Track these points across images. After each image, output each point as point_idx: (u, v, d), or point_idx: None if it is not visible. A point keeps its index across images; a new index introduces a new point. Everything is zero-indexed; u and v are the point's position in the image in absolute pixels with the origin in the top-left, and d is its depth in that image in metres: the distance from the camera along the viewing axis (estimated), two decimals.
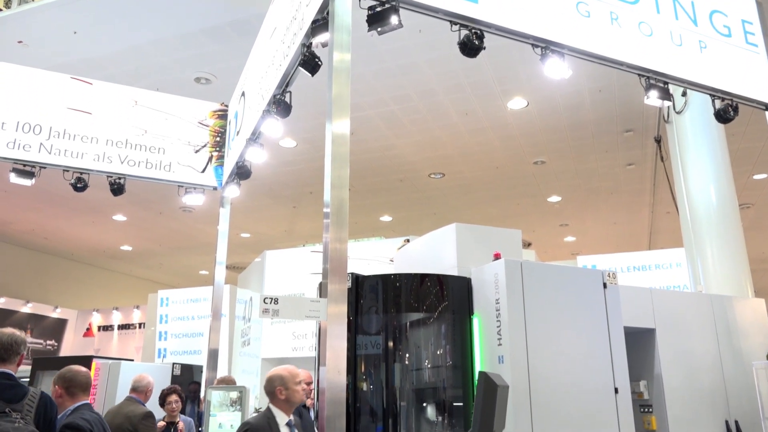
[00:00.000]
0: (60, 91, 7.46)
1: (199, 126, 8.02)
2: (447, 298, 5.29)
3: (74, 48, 8.27)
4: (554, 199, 13.60)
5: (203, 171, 7.94)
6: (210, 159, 7.98)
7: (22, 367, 3.67)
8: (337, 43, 4.19)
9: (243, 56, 7.26)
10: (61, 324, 18.60)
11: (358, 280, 5.30)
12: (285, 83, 5.48)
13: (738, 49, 5.87)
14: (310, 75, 5.00)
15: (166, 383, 6.34)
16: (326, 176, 4.18)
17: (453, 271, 5.36)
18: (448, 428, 5.26)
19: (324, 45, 4.73)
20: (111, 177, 7.62)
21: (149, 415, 5.17)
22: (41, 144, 7.20)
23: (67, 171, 7.46)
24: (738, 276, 7.33)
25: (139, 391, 5.35)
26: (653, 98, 5.34)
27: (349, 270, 4.62)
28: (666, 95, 5.36)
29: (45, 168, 7.34)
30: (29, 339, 17.17)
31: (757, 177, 12.11)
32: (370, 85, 8.92)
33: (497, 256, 5.01)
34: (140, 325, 17.94)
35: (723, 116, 5.69)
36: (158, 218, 14.74)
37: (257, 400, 11.75)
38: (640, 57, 5.22)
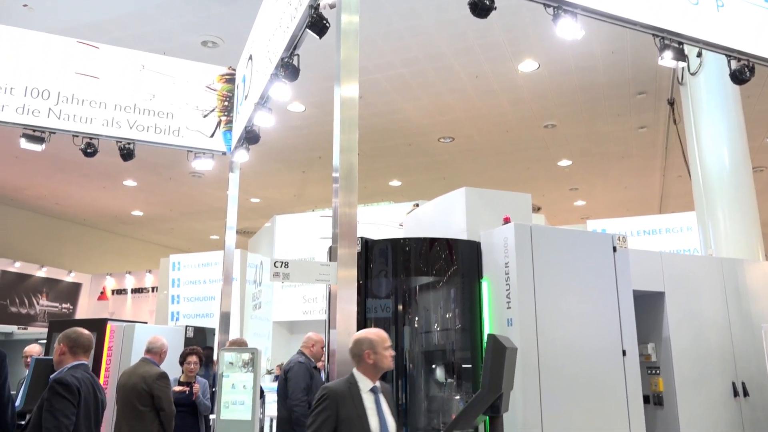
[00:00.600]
0: (67, 55, 7.42)
1: (207, 90, 7.98)
2: (456, 262, 5.31)
3: (79, 12, 8.18)
4: (564, 163, 13.50)
5: (212, 136, 7.93)
6: (218, 124, 7.96)
7: (39, 329, 3.74)
8: (345, 5, 4.13)
9: (250, 19, 7.16)
10: (75, 288, 18.90)
11: (367, 245, 5.32)
12: (293, 46, 5.42)
13: (756, 8, 5.72)
14: (317, 37, 4.93)
15: (180, 345, 6.46)
16: (335, 140, 4.16)
17: (462, 236, 5.37)
18: (457, 390, 5.34)
19: (332, 6, 4.65)
20: (120, 142, 7.63)
21: (163, 376, 5.29)
22: (50, 109, 7.20)
23: (77, 136, 7.47)
24: (749, 239, 7.29)
25: (154, 352, 5.46)
26: (667, 59, 5.23)
27: (359, 234, 4.64)
28: (681, 56, 5.26)
29: (55, 133, 7.35)
30: (45, 302, 17.51)
31: None
32: (378, 48, 8.80)
33: (507, 220, 5.00)
34: (153, 289, 18.20)
35: (739, 77, 5.58)
36: (168, 183, 14.79)
37: (269, 362, 11.97)
38: (655, 16, 5.11)
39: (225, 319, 7.95)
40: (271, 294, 13.24)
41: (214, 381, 5.72)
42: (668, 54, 5.21)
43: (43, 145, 7.34)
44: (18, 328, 7.74)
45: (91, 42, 7.58)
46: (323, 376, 5.58)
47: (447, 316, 5.57)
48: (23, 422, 5.65)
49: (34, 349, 6.28)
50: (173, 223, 18.63)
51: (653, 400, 5.66)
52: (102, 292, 19.24)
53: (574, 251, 4.99)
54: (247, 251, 13.50)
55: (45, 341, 6.66)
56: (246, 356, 4.82)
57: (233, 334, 9.09)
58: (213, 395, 5.61)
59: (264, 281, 12.91)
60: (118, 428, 5.21)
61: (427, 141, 12.30)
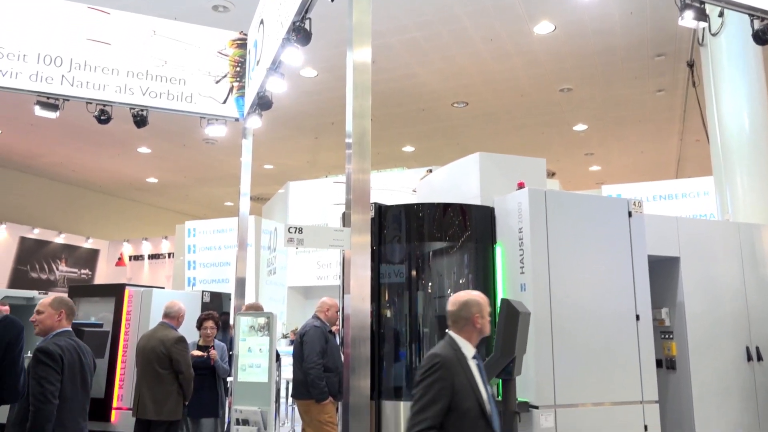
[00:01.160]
0: (78, 21, 7.38)
1: (219, 56, 7.92)
2: (470, 228, 5.31)
3: None
4: (580, 127, 13.32)
5: (224, 102, 7.91)
6: (231, 89, 7.93)
7: (58, 294, 3.81)
8: None
9: None
10: (93, 254, 19.19)
11: (381, 210, 5.33)
12: (304, 10, 5.35)
13: None
14: (329, 0, 4.86)
15: (197, 310, 6.57)
16: (348, 105, 4.13)
17: (476, 201, 5.36)
18: None
19: None
20: (133, 109, 7.63)
21: (181, 340, 5.40)
22: (63, 76, 7.20)
23: (90, 103, 7.49)
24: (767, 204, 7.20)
25: (171, 316, 5.56)
26: (688, 19, 5.10)
27: (372, 200, 4.64)
28: (702, 16, 5.12)
29: (68, 100, 7.37)
30: (64, 268, 17.81)
31: None
32: (390, 11, 8.66)
33: (521, 186, 4.97)
34: (169, 255, 18.42)
35: (762, 37, 5.43)
36: (182, 150, 14.83)
37: (284, 327, 12.15)
38: None
39: (240, 284, 8.05)
40: (285, 260, 13.36)
41: (231, 344, 5.83)
42: (689, 14, 5.07)
43: (57, 113, 7.36)
44: (39, 293, 7.93)
45: (102, 7, 7.53)
46: (338, 340, 5.67)
47: (460, 281, 5.60)
48: None
49: None
50: (188, 189, 18.74)
51: (666, 364, 5.69)
52: (119, 258, 19.52)
53: (588, 216, 4.96)
54: (261, 218, 13.59)
55: None
56: (262, 320, 4.90)
57: (249, 299, 9.22)
58: (231, 358, 5.72)
59: (278, 247, 13.02)
60: (138, 390, 5.35)
61: (440, 106, 12.17)
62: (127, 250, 19.57)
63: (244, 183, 7.93)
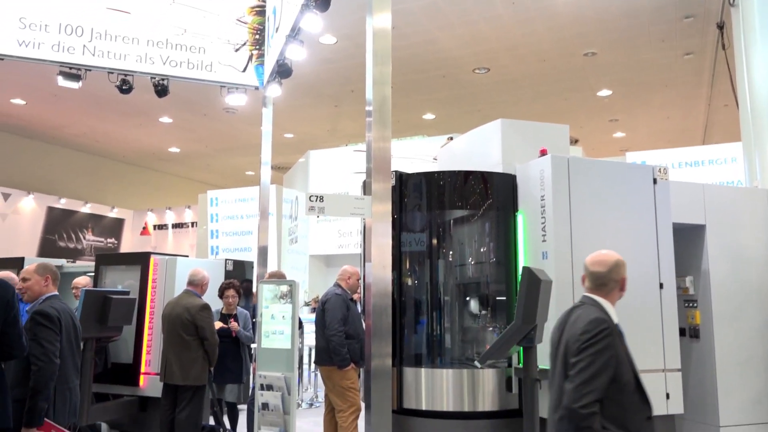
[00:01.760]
0: None
1: (238, 23, 7.87)
2: (491, 196, 5.27)
3: None
4: (604, 93, 13.05)
5: (244, 70, 7.88)
6: (250, 58, 7.89)
7: (86, 263, 3.91)
8: None
9: None
10: (118, 223, 19.50)
11: (401, 179, 5.31)
12: None
13: None
14: None
15: (221, 278, 6.66)
16: (368, 72, 4.09)
17: (498, 168, 5.31)
18: (491, 322, 5.42)
19: None
20: (154, 78, 7.65)
21: (206, 307, 5.50)
22: (84, 46, 7.22)
23: (112, 73, 7.52)
24: None
25: (195, 284, 5.65)
26: None
27: (393, 169, 4.62)
28: None
29: (90, 70, 7.41)
30: (91, 237, 18.15)
31: None
32: None
33: (543, 153, 4.91)
34: (193, 224, 18.65)
35: None
36: (203, 120, 14.88)
37: (306, 294, 12.30)
38: None
39: (263, 253, 8.15)
40: (306, 228, 13.45)
41: (254, 312, 5.92)
42: None
43: (80, 83, 7.41)
44: (67, 262, 8.13)
45: None
46: (359, 308, 5.72)
47: (481, 249, 5.59)
48: None
49: (82, 281, 6.56)
50: (209, 159, 18.85)
51: (689, 332, 5.65)
52: (144, 228, 19.82)
53: (612, 183, 4.89)
54: (282, 186, 13.65)
55: (93, 274, 6.94)
56: (284, 288, 4.95)
57: (271, 268, 9.32)
58: (254, 325, 5.82)
59: (300, 216, 13.09)
60: (165, 356, 5.48)
61: (461, 72, 12.00)
62: (151, 219, 19.85)
63: (264, 152, 7.95)
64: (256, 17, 7.92)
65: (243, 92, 8.04)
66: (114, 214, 19.31)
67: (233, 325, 5.81)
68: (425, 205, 5.39)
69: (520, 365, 4.49)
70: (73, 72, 7.33)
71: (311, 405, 8.45)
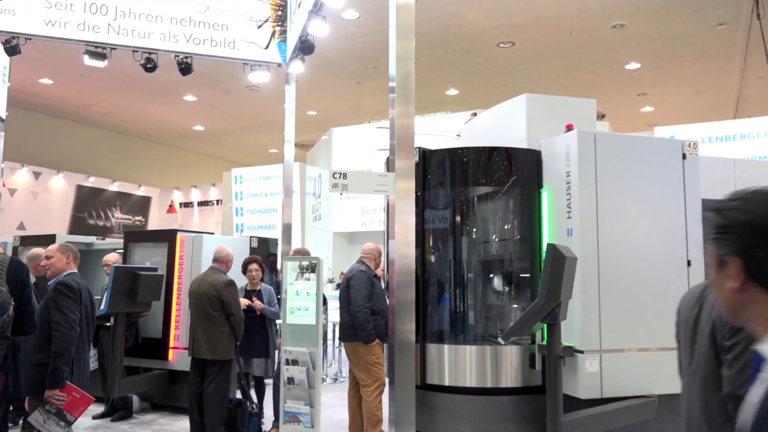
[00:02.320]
0: None
1: (260, 0, 7.84)
2: (515, 172, 5.22)
3: None
4: (633, 66, 12.75)
5: (267, 47, 7.87)
6: (273, 34, 7.87)
7: (115, 240, 4.00)
8: None
9: None
10: (145, 201, 19.80)
11: (425, 155, 5.28)
12: None
13: None
14: None
15: (246, 255, 6.74)
16: (391, 47, 4.05)
17: (522, 144, 5.25)
18: (515, 299, 5.41)
19: None
20: (178, 56, 7.68)
21: (231, 283, 5.57)
22: (109, 25, 7.27)
23: (137, 51, 7.57)
24: None
25: (220, 261, 5.72)
26: None
27: (416, 145, 4.60)
28: None
29: (115, 49, 7.46)
30: (119, 215, 18.47)
31: None
32: None
33: (569, 128, 4.83)
34: (218, 201, 18.85)
35: None
36: (226, 98, 14.93)
37: (330, 271, 12.39)
38: None
39: (287, 230, 8.21)
40: (330, 206, 13.50)
41: (279, 288, 5.99)
42: None
43: (106, 62, 7.48)
44: (97, 239, 8.30)
45: None
46: (382, 284, 5.75)
47: (505, 226, 5.56)
48: (108, 324, 6.13)
49: (112, 258, 6.69)
50: (233, 137, 18.96)
51: None
52: (170, 206, 20.09)
53: (640, 159, 4.80)
54: (305, 164, 13.69)
55: (122, 251, 7.08)
56: (309, 265, 4.99)
57: (295, 245, 9.40)
58: (280, 302, 5.89)
59: (323, 193, 13.14)
60: (193, 331, 5.59)
61: (486, 46, 11.81)
62: (177, 197, 20.10)
63: (288, 129, 7.96)
64: None
65: (266, 69, 8.04)
66: (141, 192, 19.60)
67: (257, 304, 5.87)
68: (449, 182, 5.36)
69: (544, 342, 4.48)
70: (98, 51, 7.40)
71: (336, 380, 8.57)
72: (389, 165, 4.27)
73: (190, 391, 5.56)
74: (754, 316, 1.01)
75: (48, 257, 4.03)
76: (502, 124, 5.73)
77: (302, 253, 6.09)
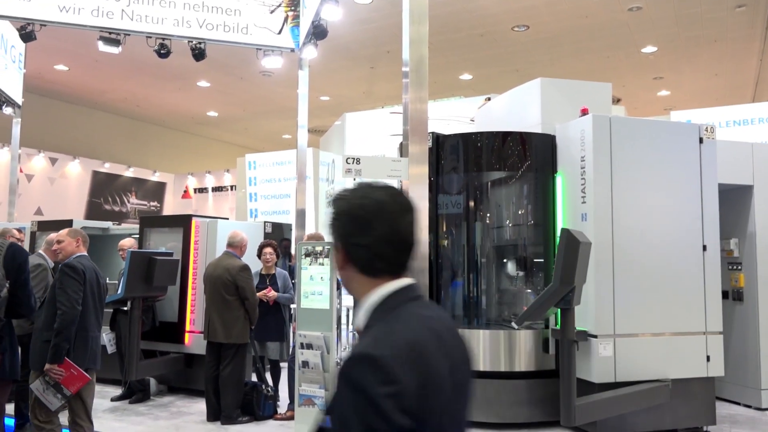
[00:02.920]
0: None
1: None
2: (529, 157, 5.20)
3: None
4: (649, 49, 12.57)
5: (279, 32, 7.85)
6: (285, 19, 7.85)
7: (131, 225, 4.07)
8: None
9: None
10: (160, 187, 19.94)
11: (438, 140, 5.27)
12: None
13: None
14: None
15: (260, 240, 6.78)
16: (404, 31, 4.03)
17: (537, 129, 5.22)
18: (528, 283, 5.41)
19: None
20: (191, 42, 7.69)
21: (245, 268, 5.62)
22: (123, 11, 7.29)
23: (150, 37, 7.58)
24: None
25: (235, 246, 5.77)
26: None
27: (429, 130, 4.59)
28: None
29: (129, 35, 7.49)
30: (134, 200, 18.63)
31: None
32: None
33: (584, 112, 4.80)
34: (232, 187, 18.92)
35: None
36: (240, 83, 14.94)
37: None
38: None
39: (301, 215, 8.24)
40: None
41: (293, 273, 6.02)
42: None
43: (120, 48, 7.51)
44: (113, 224, 8.41)
45: None
46: None
47: (519, 211, 5.55)
48: (125, 308, 6.21)
49: (128, 243, 6.76)
50: (246, 123, 18.99)
51: (732, 295, 5.54)
52: (185, 191, 20.21)
53: (656, 143, 4.76)
54: (318, 150, 13.69)
55: (138, 236, 7.15)
56: (323, 250, 5.02)
57: (309, 230, 9.44)
58: (294, 286, 5.92)
59: (336, 179, 13.14)
60: (208, 315, 5.65)
61: (500, 30, 11.70)
62: (192, 183, 20.21)
63: (301, 115, 7.96)
64: None
65: (279, 55, 8.03)
66: (156, 177, 19.73)
67: (270, 295, 5.90)
68: (462, 167, 5.35)
69: (557, 327, 4.49)
70: (112, 37, 7.43)
71: None
72: (402, 150, 4.27)
73: (206, 374, 5.63)
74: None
75: (59, 241, 4.18)
76: (516, 109, 5.70)
77: (316, 238, 6.11)
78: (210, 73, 14.06)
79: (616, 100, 14.41)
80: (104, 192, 17.93)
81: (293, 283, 5.97)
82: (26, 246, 6.86)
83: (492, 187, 5.55)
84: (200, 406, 5.92)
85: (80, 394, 3.96)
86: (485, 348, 4.98)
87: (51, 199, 16.15)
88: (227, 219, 7.85)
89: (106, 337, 6.06)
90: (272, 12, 7.81)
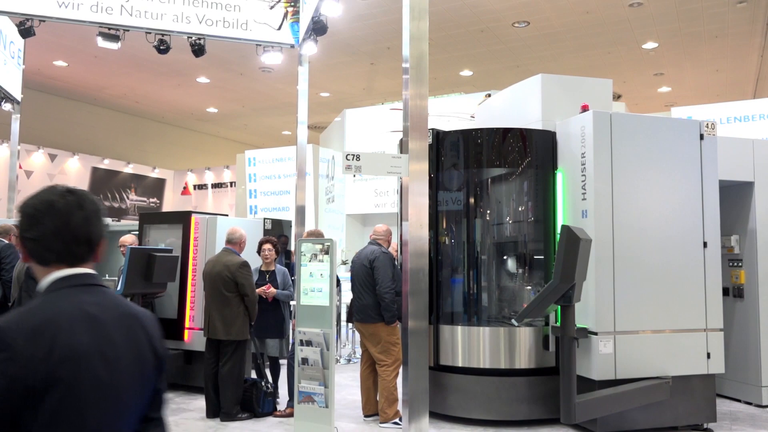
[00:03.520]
0: None
1: None
2: (530, 153, 5.18)
3: None
4: (650, 45, 12.54)
5: (279, 28, 7.82)
6: (285, 15, 7.82)
7: (130, 222, 4.04)
8: None
9: None
10: (160, 183, 19.92)
11: (438, 137, 5.26)
12: None
13: None
14: None
15: (260, 236, 6.77)
16: (404, 27, 4.01)
17: (537, 125, 5.20)
18: (528, 280, 5.40)
19: None
20: (191, 38, 7.66)
21: (245, 265, 5.61)
22: (122, 6, 7.26)
23: (150, 33, 7.56)
24: None
25: (233, 242, 5.75)
26: None
27: (430, 127, 4.57)
28: None
29: (128, 31, 7.46)
30: (134, 197, 18.61)
31: None
32: None
33: (585, 108, 4.78)
34: (231, 183, 18.91)
35: None
36: (239, 79, 14.92)
37: (344, 253, 12.42)
38: None
39: (300, 212, 8.23)
40: (343, 188, 13.49)
41: (292, 270, 6.01)
42: None
43: (119, 43, 7.48)
44: (112, 221, 8.39)
45: None
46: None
47: (519, 208, 5.53)
48: None
49: (129, 239, 6.75)
50: (246, 119, 18.97)
51: (733, 292, 5.53)
52: (185, 187, 20.19)
53: (657, 139, 4.75)
54: (318, 146, 13.67)
55: (137, 232, 7.13)
56: (322, 246, 5.01)
57: (309, 227, 9.43)
58: (293, 283, 5.91)
59: (336, 175, 13.13)
60: (207, 312, 5.64)
61: (500, 26, 11.67)
62: (191, 179, 20.19)
63: (301, 111, 7.94)
64: None
65: (279, 51, 8.00)
66: (155, 174, 19.71)
67: (269, 292, 5.89)
68: (462, 164, 5.33)
69: (557, 324, 4.48)
70: (112, 33, 7.40)
71: (349, 361, 8.64)
72: (403, 146, 4.25)
73: (206, 371, 5.63)
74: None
75: None
76: (516, 105, 5.68)
77: (316, 234, 6.10)
78: (210, 69, 14.03)
79: (617, 96, 14.40)
80: (103, 188, 17.91)
81: (293, 280, 5.96)
82: None
83: (492, 184, 5.54)
84: (200, 402, 5.92)
85: None
86: (485, 345, 4.97)
87: None
88: (227, 215, 7.84)
89: None
90: (272, 8, 7.79)
